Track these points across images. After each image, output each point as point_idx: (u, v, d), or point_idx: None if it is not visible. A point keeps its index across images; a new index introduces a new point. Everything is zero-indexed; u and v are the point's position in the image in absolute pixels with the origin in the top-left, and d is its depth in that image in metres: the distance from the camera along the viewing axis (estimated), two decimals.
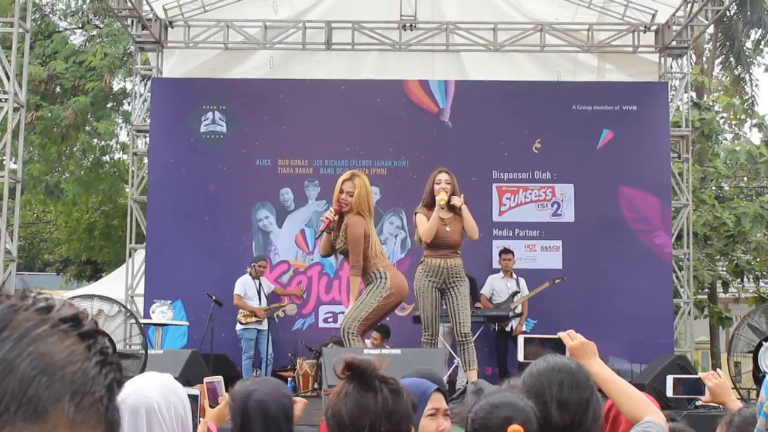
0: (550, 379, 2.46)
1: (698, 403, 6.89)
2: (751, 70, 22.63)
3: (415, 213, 8.22)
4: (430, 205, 8.07)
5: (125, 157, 18.83)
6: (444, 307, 8.15)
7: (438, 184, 8.02)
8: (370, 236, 7.57)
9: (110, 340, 0.88)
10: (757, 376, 8.94)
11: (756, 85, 24.08)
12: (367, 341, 9.54)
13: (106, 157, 18.91)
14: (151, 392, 2.55)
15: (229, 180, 12.09)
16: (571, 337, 2.87)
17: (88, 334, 0.84)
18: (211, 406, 3.76)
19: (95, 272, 22.29)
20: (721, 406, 3.74)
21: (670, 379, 3.82)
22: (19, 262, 10.86)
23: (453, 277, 8.02)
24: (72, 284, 23.76)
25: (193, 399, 2.89)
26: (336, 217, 7.58)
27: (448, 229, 8.01)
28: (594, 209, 11.91)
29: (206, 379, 3.88)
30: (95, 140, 18.36)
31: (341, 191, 7.54)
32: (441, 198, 7.89)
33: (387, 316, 8.09)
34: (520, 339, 3.07)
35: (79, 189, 18.00)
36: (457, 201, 7.96)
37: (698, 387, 3.62)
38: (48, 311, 0.84)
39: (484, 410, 2.36)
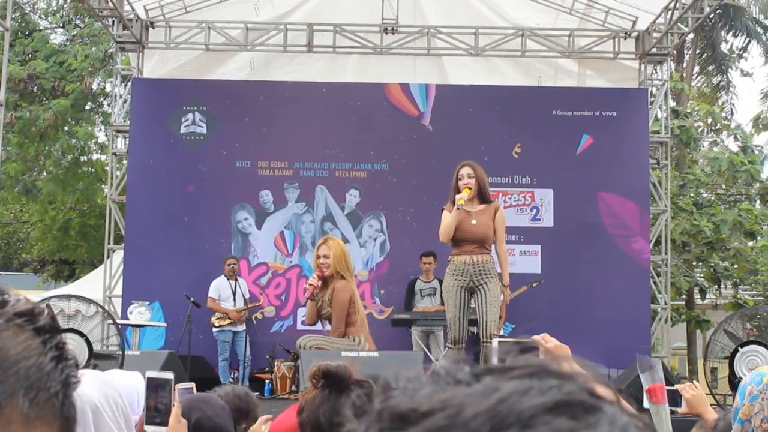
0: None
1: (675, 415, 6.86)
2: (730, 78, 22.79)
3: (442, 209, 7.53)
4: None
5: (103, 157, 18.73)
6: (473, 306, 7.47)
7: (460, 180, 7.33)
8: (355, 301, 7.71)
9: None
10: (733, 382, 8.96)
11: (735, 93, 24.27)
12: None
13: (84, 157, 18.80)
14: (91, 390, 2.53)
15: (208, 181, 12.05)
16: (545, 340, 2.88)
17: (44, 329, 0.83)
18: None
19: (72, 272, 22.16)
20: (698, 417, 3.74)
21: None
22: None
23: (481, 274, 7.33)
24: (49, 284, 23.59)
25: (166, 382, 2.99)
26: (319, 283, 7.68)
27: (474, 222, 7.31)
28: (573, 214, 11.94)
29: (178, 386, 3.83)
30: (74, 140, 18.25)
31: (318, 257, 7.68)
32: (460, 197, 7.19)
33: None
34: (495, 342, 3.08)
35: (55, 187, 17.88)
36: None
37: (675, 398, 3.49)
38: (3, 306, 0.83)
39: None
